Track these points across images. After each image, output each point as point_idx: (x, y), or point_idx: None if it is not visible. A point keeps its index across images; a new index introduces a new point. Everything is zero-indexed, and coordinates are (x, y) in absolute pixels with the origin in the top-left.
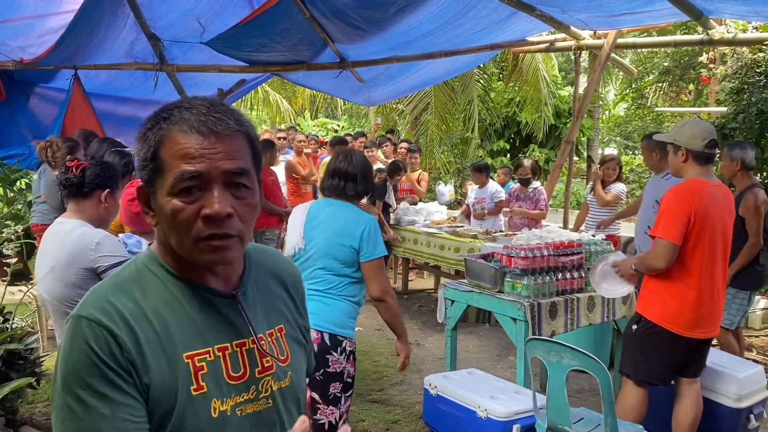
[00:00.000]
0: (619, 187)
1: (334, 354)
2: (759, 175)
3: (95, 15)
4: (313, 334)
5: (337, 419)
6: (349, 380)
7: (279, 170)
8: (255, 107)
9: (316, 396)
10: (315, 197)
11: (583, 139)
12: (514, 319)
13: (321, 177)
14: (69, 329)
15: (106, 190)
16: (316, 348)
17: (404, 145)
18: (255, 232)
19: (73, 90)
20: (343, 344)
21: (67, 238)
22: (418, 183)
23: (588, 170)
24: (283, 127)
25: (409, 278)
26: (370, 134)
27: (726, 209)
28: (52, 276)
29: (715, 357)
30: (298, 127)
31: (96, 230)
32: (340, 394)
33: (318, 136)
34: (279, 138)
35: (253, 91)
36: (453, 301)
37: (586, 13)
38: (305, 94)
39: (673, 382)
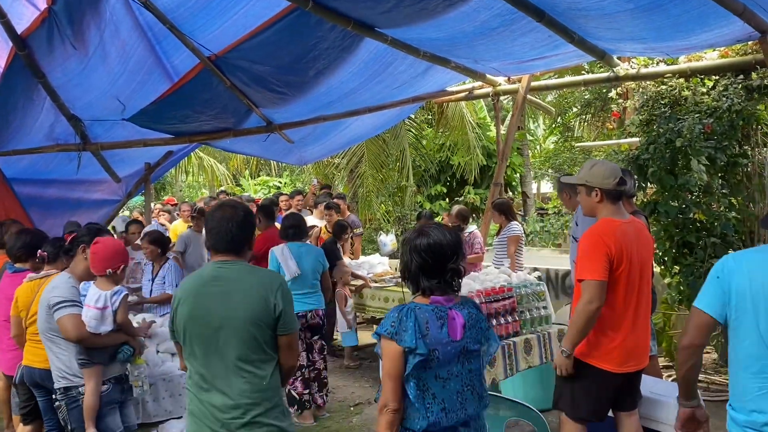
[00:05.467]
0: (513, 228)
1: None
2: (675, 201)
3: (9, 101)
4: (320, 312)
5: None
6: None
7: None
8: (190, 172)
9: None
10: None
11: (515, 176)
12: None
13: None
14: None
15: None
16: (319, 318)
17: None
18: None
19: None
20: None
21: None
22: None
23: (524, 206)
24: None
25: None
26: (308, 193)
27: (640, 243)
28: None
29: (652, 386)
30: (238, 188)
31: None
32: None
33: (252, 197)
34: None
35: (186, 157)
36: None
37: (497, 61)
38: (239, 156)
39: (612, 415)
